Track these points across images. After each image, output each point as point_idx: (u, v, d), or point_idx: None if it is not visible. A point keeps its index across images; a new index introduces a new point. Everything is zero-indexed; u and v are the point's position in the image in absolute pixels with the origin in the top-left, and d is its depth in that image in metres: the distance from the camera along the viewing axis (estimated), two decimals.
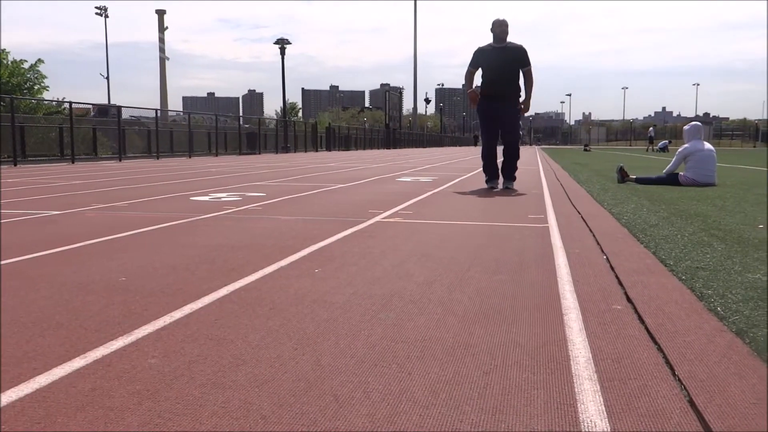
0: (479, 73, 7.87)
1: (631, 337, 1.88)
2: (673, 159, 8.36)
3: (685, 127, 8.55)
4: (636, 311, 2.15)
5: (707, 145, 8.27)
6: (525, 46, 7.70)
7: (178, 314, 2.09)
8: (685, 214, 4.89)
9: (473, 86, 7.84)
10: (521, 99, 7.73)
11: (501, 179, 7.88)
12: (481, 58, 7.69)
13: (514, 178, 7.88)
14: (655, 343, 1.83)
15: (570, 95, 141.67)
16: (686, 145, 8.26)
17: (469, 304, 2.24)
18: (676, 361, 1.67)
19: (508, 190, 7.39)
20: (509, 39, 7.70)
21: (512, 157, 7.84)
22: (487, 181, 7.90)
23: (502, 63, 7.57)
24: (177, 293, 2.37)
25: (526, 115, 8.11)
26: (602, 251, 3.28)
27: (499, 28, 7.67)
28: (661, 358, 1.71)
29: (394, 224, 4.33)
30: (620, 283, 2.55)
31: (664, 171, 8.43)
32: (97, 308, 2.17)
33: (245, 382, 1.53)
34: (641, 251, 3.29)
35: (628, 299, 2.31)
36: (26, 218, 4.71)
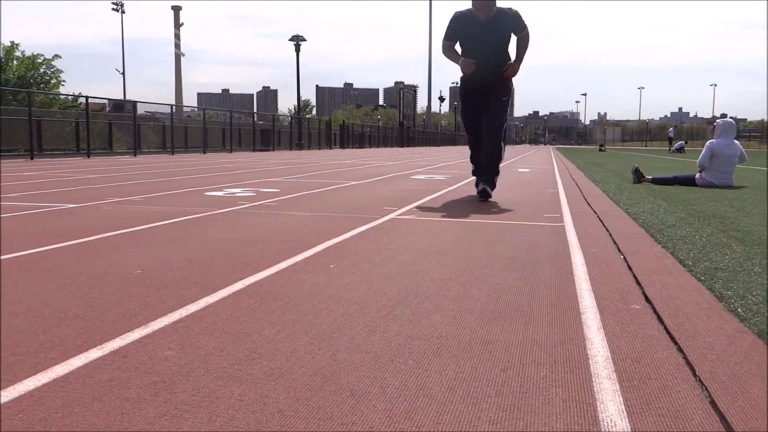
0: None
1: (651, 337, 1.85)
2: (703, 153, 8.18)
3: (719, 121, 8.44)
4: (655, 311, 2.12)
5: (734, 145, 8.13)
6: (516, 8, 5.86)
7: (194, 307, 2.09)
8: (703, 214, 4.84)
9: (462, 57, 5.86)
10: (508, 67, 5.78)
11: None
12: (459, 32, 5.84)
13: (494, 183, 6.05)
14: (675, 343, 1.80)
15: (585, 95, 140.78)
16: (714, 141, 8.13)
17: (485, 301, 2.22)
18: (696, 362, 1.65)
19: (481, 199, 5.92)
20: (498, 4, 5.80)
21: (491, 156, 5.97)
22: (476, 181, 6.24)
23: (490, 46, 5.75)
24: (193, 286, 2.37)
25: (512, 80, 5.99)
26: (619, 251, 3.25)
27: (482, 2, 5.71)
28: (681, 358, 1.69)
29: (409, 221, 4.31)
30: (638, 283, 2.53)
31: (698, 164, 8.23)
32: (114, 300, 2.17)
33: (261, 375, 1.52)
34: (659, 251, 3.25)
35: (647, 299, 2.28)
36: (43, 210, 4.74)
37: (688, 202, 5.88)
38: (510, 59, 5.81)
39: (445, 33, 5.86)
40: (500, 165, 6.16)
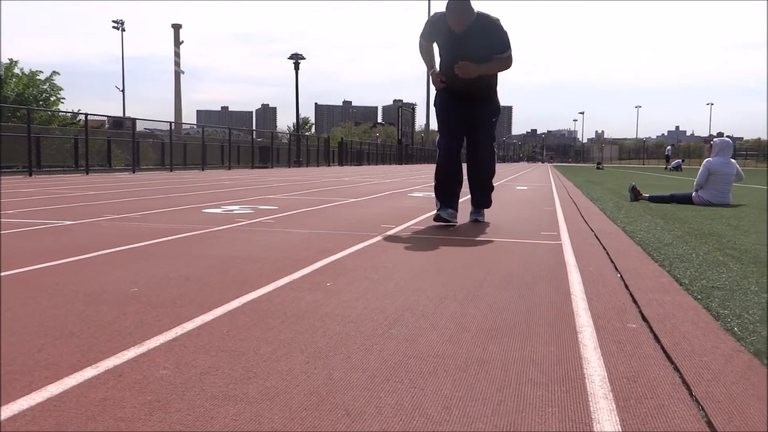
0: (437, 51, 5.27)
1: (647, 356, 1.85)
2: (700, 172, 8.19)
3: (716, 140, 8.48)
4: (651, 330, 2.12)
5: (731, 164, 8.17)
6: (500, 21, 4.95)
7: (189, 325, 2.09)
8: (700, 233, 4.85)
9: (435, 67, 5.21)
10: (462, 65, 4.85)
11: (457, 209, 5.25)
12: (435, 37, 5.09)
13: (488, 205, 5.61)
14: (672, 362, 1.80)
15: (583, 113, 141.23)
16: (711, 159, 8.16)
17: (482, 320, 2.22)
18: (693, 381, 1.65)
19: (477, 223, 5.40)
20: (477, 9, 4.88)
21: (484, 185, 5.46)
22: (439, 211, 5.09)
23: (468, 60, 4.86)
24: (189, 304, 2.37)
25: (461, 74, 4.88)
26: (616, 269, 3.26)
27: (455, 14, 4.80)
28: (678, 377, 1.68)
29: (407, 239, 4.31)
30: (635, 302, 2.53)
31: (695, 184, 8.25)
32: (110, 318, 2.17)
33: (257, 394, 1.52)
34: (656, 270, 3.25)
35: (643, 318, 2.28)
36: (40, 227, 4.74)
37: (685, 220, 5.89)
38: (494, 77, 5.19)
39: (422, 30, 5.14)
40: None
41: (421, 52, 5.22)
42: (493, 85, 5.22)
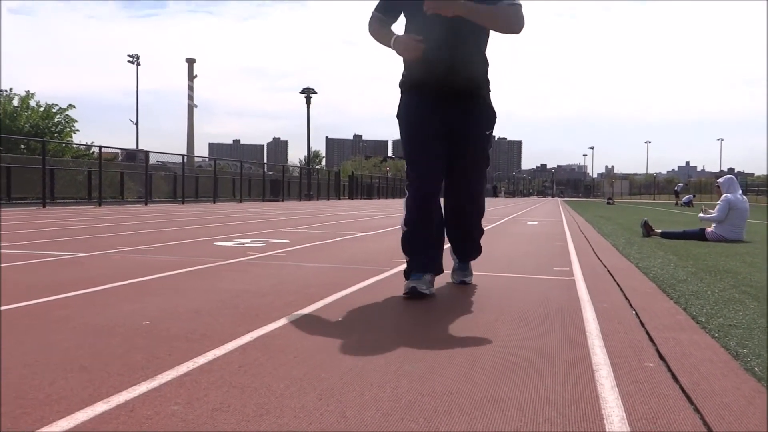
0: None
1: (666, 396, 1.81)
2: (719, 207, 8.09)
3: (720, 180, 8.46)
4: (669, 369, 2.09)
5: (744, 199, 8.16)
6: None
7: (201, 360, 2.07)
8: (714, 269, 4.81)
9: (395, 38, 3.30)
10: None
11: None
12: (404, 8, 3.40)
13: (478, 253, 3.89)
14: (691, 403, 1.76)
15: (592, 148, 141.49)
16: (730, 195, 8.11)
17: (496, 357, 2.19)
18: (714, 423, 1.61)
19: (463, 284, 3.80)
20: None
21: (472, 229, 3.77)
22: (411, 279, 3.37)
23: (454, 33, 3.26)
24: (201, 339, 2.35)
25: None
26: (631, 306, 3.22)
27: None
28: (699, 419, 1.65)
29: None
30: (651, 340, 2.49)
31: (714, 216, 8.16)
32: (121, 352, 2.16)
33: None
34: (671, 307, 3.21)
35: (661, 356, 2.25)
36: (52, 259, 4.75)
37: (698, 256, 5.84)
38: (487, 60, 3.49)
39: (378, 3, 3.46)
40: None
41: (373, 31, 3.44)
42: (483, 72, 3.48)
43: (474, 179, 3.57)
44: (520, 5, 3.25)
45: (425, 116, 3.41)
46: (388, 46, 3.33)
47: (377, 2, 3.47)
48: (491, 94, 3.57)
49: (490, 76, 3.54)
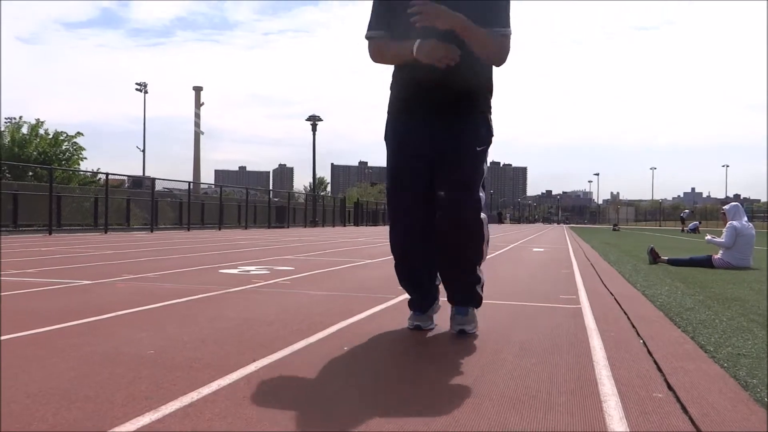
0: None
1: (676, 428, 1.79)
2: (726, 233, 8.03)
3: (725, 207, 8.45)
4: (678, 400, 2.06)
5: (750, 225, 8.14)
6: None
7: (205, 390, 2.06)
8: (722, 297, 4.77)
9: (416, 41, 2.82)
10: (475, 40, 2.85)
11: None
12: (391, 14, 2.96)
13: (476, 302, 3.19)
14: None
15: (598, 174, 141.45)
16: (736, 222, 8.07)
17: (503, 387, 2.17)
18: None
19: (463, 335, 3.09)
20: None
21: (468, 267, 3.11)
22: (412, 318, 3.22)
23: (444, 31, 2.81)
24: (205, 368, 2.34)
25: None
26: (638, 335, 3.19)
27: None
28: None
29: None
30: (659, 369, 2.47)
31: (722, 241, 8.10)
32: (125, 381, 2.15)
33: None
34: (679, 335, 3.19)
35: (669, 386, 2.22)
36: (58, 287, 4.75)
37: (705, 284, 5.81)
38: (480, 64, 3.01)
39: (372, 15, 3.02)
40: (484, 258, 3.16)
41: (375, 56, 3.03)
42: (479, 84, 3.04)
43: (466, 201, 2.93)
44: (509, 37, 2.95)
45: (407, 136, 3.04)
46: (409, 57, 2.85)
47: (369, 24, 3.02)
48: (491, 111, 3.12)
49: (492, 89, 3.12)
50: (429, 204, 3.01)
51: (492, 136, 3.11)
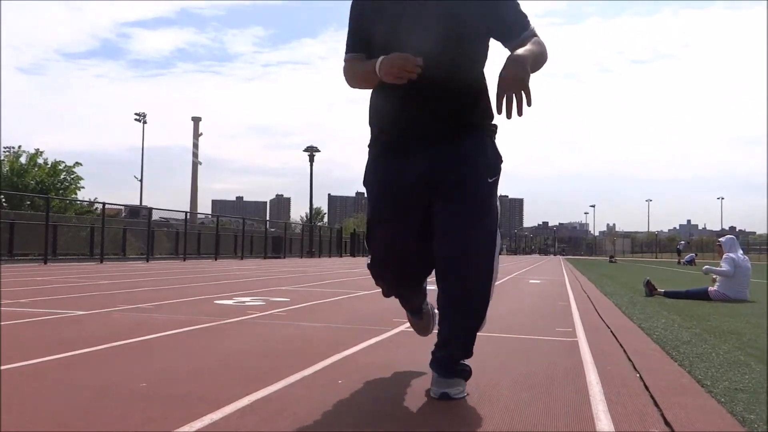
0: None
1: None
2: (725, 264, 7.99)
3: (721, 240, 8.47)
4: None
5: (746, 258, 8.16)
6: None
7: (198, 424, 2.04)
8: (719, 331, 4.76)
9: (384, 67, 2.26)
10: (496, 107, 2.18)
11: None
12: (372, 17, 2.49)
13: (465, 373, 2.54)
14: None
15: (594, 206, 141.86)
16: (731, 255, 8.07)
17: (498, 422, 2.15)
18: None
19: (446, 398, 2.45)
20: None
21: (470, 316, 2.54)
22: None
23: (435, 37, 2.34)
24: (198, 402, 2.32)
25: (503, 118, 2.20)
26: (635, 368, 3.17)
27: None
28: None
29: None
30: (656, 404, 2.45)
31: (722, 269, 8.07)
32: (116, 415, 2.12)
33: None
34: (676, 370, 3.17)
35: (666, 422, 2.20)
36: (51, 317, 4.72)
37: (702, 317, 5.79)
38: (480, 69, 2.51)
39: (348, 36, 2.57)
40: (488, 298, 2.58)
41: (350, 79, 2.55)
42: (484, 107, 2.49)
43: (476, 243, 2.38)
44: (534, 32, 2.43)
45: (387, 180, 2.48)
46: (374, 76, 2.32)
47: (346, 46, 2.57)
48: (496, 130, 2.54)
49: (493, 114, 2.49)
50: (415, 243, 2.53)
51: (501, 161, 2.52)
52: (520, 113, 2.16)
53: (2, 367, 2.84)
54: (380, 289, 2.86)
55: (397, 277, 2.74)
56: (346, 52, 2.57)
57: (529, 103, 2.16)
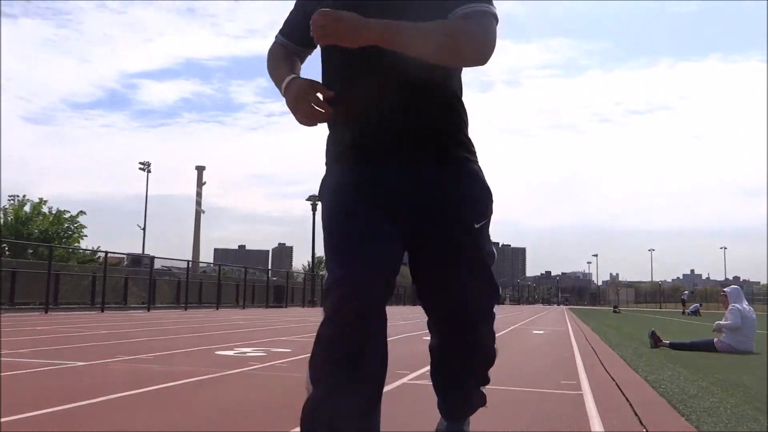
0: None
1: None
2: (731, 316, 7.89)
3: (726, 290, 8.41)
4: None
5: (751, 309, 8.10)
6: None
7: None
8: (726, 383, 4.69)
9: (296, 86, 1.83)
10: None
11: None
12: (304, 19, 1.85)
13: (482, 404, 2.41)
14: None
15: (596, 255, 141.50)
16: (737, 305, 8.00)
17: None
18: None
19: None
20: None
21: (471, 373, 2.26)
22: None
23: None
24: None
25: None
26: (641, 423, 3.12)
27: None
28: None
29: (422, 387, 4.19)
30: None
31: (730, 323, 7.97)
32: None
33: None
34: (683, 424, 3.12)
35: None
36: (49, 368, 4.67)
37: (708, 369, 5.72)
38: (456, 78, 1.94)
39: (286, 19, 2.12)
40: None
41: (270, 63, 2.06)
42: (457, 112, 1.94)
43: (472, 291, 1.96)
44: (489, 13, 1.79)
45: (347, 198, 1.87)
46: (280, 91, 1.91)
47: (281, 28, 2.12)
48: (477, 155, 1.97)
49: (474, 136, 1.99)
50: (383, 291, 1.86)
51: (491, 196, 1.98)
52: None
53: (2, 420, 2.80)
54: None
55: (354, 289, 1.88)
56: (279, 32, 2.11)
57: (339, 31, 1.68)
